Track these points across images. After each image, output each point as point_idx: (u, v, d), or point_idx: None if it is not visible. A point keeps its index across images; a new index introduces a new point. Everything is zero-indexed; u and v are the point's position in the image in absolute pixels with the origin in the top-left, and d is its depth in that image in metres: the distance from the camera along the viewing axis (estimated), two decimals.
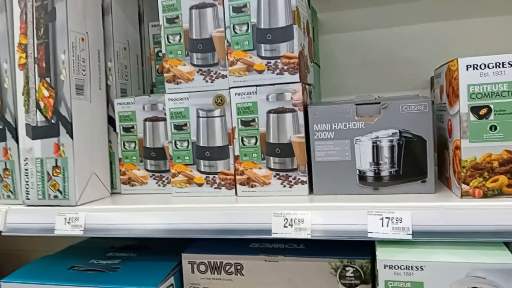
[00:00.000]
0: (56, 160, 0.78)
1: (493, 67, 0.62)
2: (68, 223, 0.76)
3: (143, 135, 0.84)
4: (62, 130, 0.78)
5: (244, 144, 0.75)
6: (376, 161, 0.71)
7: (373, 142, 0.71)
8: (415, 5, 1.03)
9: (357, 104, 0.71)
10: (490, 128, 0.63)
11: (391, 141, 0.70)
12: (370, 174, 0.71)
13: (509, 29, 0.98)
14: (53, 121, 0.78)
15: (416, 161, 0.69)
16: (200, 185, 0.78)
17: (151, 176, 0.85)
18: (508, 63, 0.62)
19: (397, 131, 0.70)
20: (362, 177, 0.72)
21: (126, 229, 0.75)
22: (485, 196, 0.64)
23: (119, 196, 0.86)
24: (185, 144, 0.78)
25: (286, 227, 0.66)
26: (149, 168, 0.85)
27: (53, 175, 0.79)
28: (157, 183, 0.84)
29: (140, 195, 0.85)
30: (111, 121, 0.87)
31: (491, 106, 0.62)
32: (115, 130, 0.87)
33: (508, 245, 0.62)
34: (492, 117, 0.62)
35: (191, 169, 0.78)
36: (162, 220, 0.73)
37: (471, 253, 0.60)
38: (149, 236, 0.73)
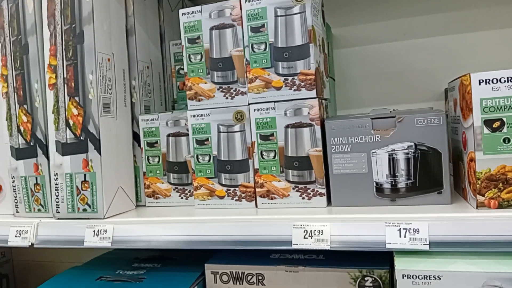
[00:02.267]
0: (85, 175, 0.83)
1: (505, 81, 0.64)
2: (97, 235, 0.80)
3: (166, 150, 0.88)
4: (90, 146, 0.82)
5: (263, 158, 0.78)
6: (393, 173, 0.73)
7: (389, 155, 0.73)
8: (428, 18, 1.05)
9: (373, 118, 0.74)
10: (504, 141, 0.64)
11: (407, 153, 0.72)
12: (387, 186, 0.73)
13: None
14: (81, 138, 0.83)
15: (431, 173, 0.71)
16: (221, 197, 0.81)
17: (174, 189, 0.88)
18: None
19: (413, 144, 0.72)
20: (379, 189, 0.74)
21: (151, 241, 0.78)
22: (500, 206, 0.65)
23: (143, 209, 0.89)
24: (207, 158, 0.82)
25: (306, 238, 0.68)
26: (172, 182, 0.88)
27: (82, 189, 0.83)
28: (180, 195, 0.88)
29: (164, 207, 0.88)
30: (135, 137, 0.91)
31: (504, 119, 0.64)
32: (139, 145, 0.91)
33: None
34: (505, 129, 0.64)
35: (213, 182, 0.82)
36: (185, 231, 0.76)
37: (488, 263, 0.61)
38: (173, 247, 0.76)
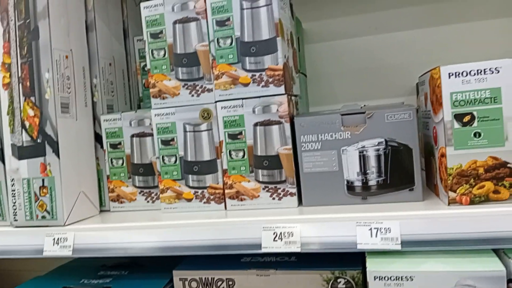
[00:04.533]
0: (43, 180, 0.78)
1: (474, 74, 0.63)
2: (57, 243, 0.76)
3: (130, 151, 0.84)
4: (48, 149, 0.77)
5: (232, 158, 0.75)
6: (363, 170, 0.71)
7: (359, 152, 0.71)
8: (400, 11, 1.03)
9: (342, 115, 0.71)
10: (474, 135, 0.63)
11: (377, 150, 0.70)
12: (358, 184, 0.71)
13: (493, 33, 0.99)
14: (39, 140, 0.78)
15: (403, 170, 0.70)
16: (189, 200, 0.78)
17: (139, 193, 0.84)
18: (489, 70, 0.62)
19: (383, 140, 0.70)
20: (350, 187, 0.72)
21: (115, 248, 0.74)
22: (472, 203, 0.64)
23: (108, 214, 0.85)
24: (173, 159, 0.78)
25: (276, 241, 0.66)
26: (137, 185, 0.84)
27: (40, 195, 0.78)
28: (146, 199, 0.84)
29: (129, 212, 0.84)
30: (98, 138, 0.87)
31: (474, 113, 0.63)
32: (102, 147, 0.86)
33: (496, 252, 0.62)
34: (475, 124, 0.63)
35: (180, 184, 0.78)
36: (151, 238, 0.73)
37: (461, 262, 0.60)
38: (138, 255, 0.73)
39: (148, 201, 0.84)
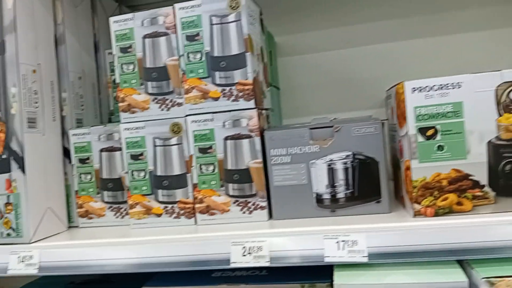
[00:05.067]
0: (8, 196, 0.76)
1: (437, 89, 0.64)
2: (22, 261, 0.73)
3: (99, 166, 0.83)
4: (13, 165, 0.76)
5: (202, 172, 0.75)
6: (332, 183, 0.72)
7: (328, 165, 0.72)
8: (371, 25, 1.06)
9: (311, 128, 0.72)
10: (438, 148, 0.65)
11: (345, 163, 0.71)
12: (326, 196, 0.72)
13: (462, 47, 1.02)
14: (4, 156, 0.76)
15: (370, 182, 0.71)
16: (158, 215, 0.77)
17: (108, 208, 0.83)
18: (451, 85, 0.64)
19: (351, 153, 0.71)
20: (319, 200, 0.72)
21: (82, 266, 0.72)
22: (436, 214, 0.65)
23: (76, 230, 0.83)
24: (142, 174, 0.77)
25: (245, 255, 0.65)
26: (106, 200, 0.83)
27: (5, 212, 0.76)
28: (115, 215, 0.83)
29: (98, 228, 0.83)
30: (66, 153, 0.85)
31: (438, 127, 0.64)
32: (70, 162, 0.85)
33: (461, 263, 0.63)
34: (439, 137, 0.65)
35: (149, 199, 0.77)
36: (120, 254, 0.71)
37: (425, 273, 0.60)
38: (107, 272, 0.71)
39: (117, 217, 0.83)
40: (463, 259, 0.63)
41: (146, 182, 0.77)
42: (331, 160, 0.72)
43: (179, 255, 0.69)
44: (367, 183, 0.71)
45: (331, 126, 0.72)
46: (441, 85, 0.64)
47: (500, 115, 0.63)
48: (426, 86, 0.65)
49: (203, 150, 0.75)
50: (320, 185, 0.72)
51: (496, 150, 0.63)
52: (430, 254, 0.61)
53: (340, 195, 0.72)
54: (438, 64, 1.02)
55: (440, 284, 0.58)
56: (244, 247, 0.66)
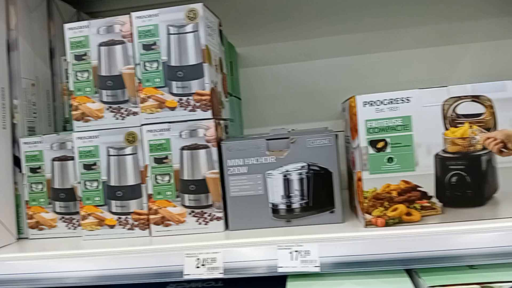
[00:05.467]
0: None
1: (387, 103, 0.67)
2: None
3: (51, 176, 0.80)
4: None
5: (157, 182, 0.74)
6: (287, 194, 0.72)
7: (283, 176, 0.72)
8: (329, 40, 1.08)
9: (267, 139, 0.73)
10: (388, 160, 0.67)
11: (300, 174, 0.72)
12: (282, 207, 0.73)
13: (415, 61, 1.06)
14: None
15: (324, 193, 0.72)
16: (112, 226, 0.75)
17: (60, 219, 0.80)
18: (401, 99, 0.66)
19: (306, 164, 0.72)
20: (275, 210, 0.73)
21: (31, 279, 0.70)
22: (387, 224, 0.67)
23: (26, 242, 0.80)
24: (95, 184, 0.75)
25: (199, 267, 0.65)
26: (58, 211, 0.80)
27: None
28: (67, 226, 0.80)
29: (49, 239, 0.80)
30: (17, 162, 0.82)
31: (388, 139, 0.67)
32: (21, 171, 0.82)
33: (409, 272, 0.65)
34: (388, 149, 0.67)
35: (102, 210, 0.75)
36: (71, 267, 0.69)
37: (375, 282, 0.62)
38: (57, 285, 0.69)
39: (69, 228, 0.80)
40: (412, 268, 0.64)
41: (99, 192, 0.75)
42: (287, 171, 0.72)
43: (132, 267, 0.68)
44: (321, 194, 0.72)
45: (287, 138, 0.73)
46: (391, 99, 0.67)
47: (447, 129, 0.66)
48: (377, 100, 0.67)
49: (159, 160, 0.74)
50: (276, 195, 0.73)
51: (443, 163, 0.66)
52: (379, 264, 0.63)
53: (296, 205, 0.73)
54: (392, 78, 1.06)
55: None
56: (198, 259, 0.65)
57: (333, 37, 1.08)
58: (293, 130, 0.85)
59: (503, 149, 0.65)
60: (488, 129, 0.65)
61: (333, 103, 1.07)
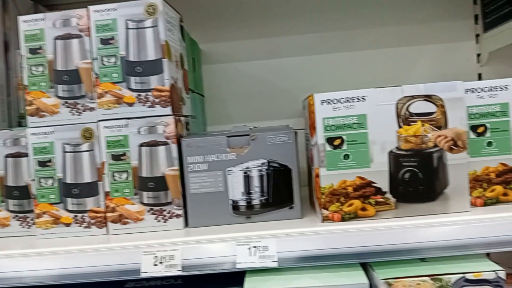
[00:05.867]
0: None
1: (344, 101, 0.68)
2: None
3: (4, 173, 0.77)
4: None
5: (115, 180, 0.73)
6: (248, 190, 0.73)
7: (244, 173, 0.73)
8: (291, 39, 1.10)
9: (228, 136, 0.73)
10: (344, 157, 0.68)
11: (260, 170, 0.73)
12: (242, 203, 0.73)
13: (375, 61, 1.09)
14: None
15: (283, 189, 0.73)
16: (67, 225, 0.73)
17: (14, 217, 0.78)
18: (357, 98, 0.68)
19: (266, 161, 0.73)
20: (235, 207, 0.73)
21: None
22: (343, 219, 0.69)
23: None
24: (50, 181, 0.73)
25: (156, 265, 0.64)
26: (11, 209, 0.77)
27: None
28: (21, 224, 0.77)
29: (2, 238, 0.77)
30: None
31: (344, 137, 0.68)
32: None
33: (364, 266, 0.67)
34: (345, 147, 0.68)
35: (58, 208, 0.73)
36: (25, 266, 0.67)
37: (331, 276, 0.63)
38: (10, 285, 0.67)
39: (23, 227, 0.77)
40: (366, 261, 0.66)
41: (55, 190, 0.73)
42: (247, 168, 0.73)
43: (89, 266, 0.66)
44: (281, 190, 0.73)
45: (248, 135, 0.73)
46: (347, 98, 0.68)
47: (400, 127, 0.68)
48: (334, 99, 0.68)
49: (116, 157, 0.73)
50: (236, 192, 0.73)
51: (396, 160, 0.68)
52: (335, 258, 0.64)
53: (255, 202, 0.73)
54: (353, 77, 1.08)
55: (343, 286, 0.61)
56: (155, 256, 0.65)
57: (297, 36, 1.10)
58: (255, 127, 0.85)
59: (453, 147, 0.68)
60: (439, 128, 0.68)
61: (295, 101, 1.08)
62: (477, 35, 1.08)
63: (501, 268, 0.63)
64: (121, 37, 0.73)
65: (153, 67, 0.73)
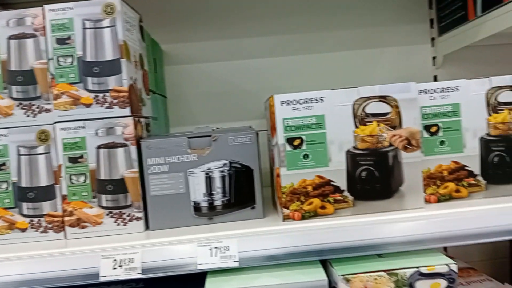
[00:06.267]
0: None
1: (303, 102, 0.69)
2: None
3: None
4: None
5: (72, 183, 0.71)
6: (209, 191, 0.73)
7: (205, 174, 0.73)
8: (254, 41, 1.10)
9: (189, 137, 0.73)
10: (304, 157, 0.69)
11: (222, 171, 0.73)
12: (204, 205, 0.73)
13: (337, 63, 1.11)
14: None
15: (245, 189, 0.73)
16: (23, 230, 0.71)
17: None
18: (315, 99, 0.70)
19: (227, 162, 0.73)
20: (197, 208, 0.73)
21: None
22: (303, 218, 0.70)
23: None
24: (4, 185, 0.71)
25: (115, 268, 0.63)
26: None
27: None
28: None
29: None
30: None
31: (303, 137, 0.69)
32: None
33: (324, 263, 0.68)
34: (304, 147, 0.69)
35: (12, 213, 0.71)
36: None
37: (291, 274, 0.64)
38: None
39: None
40: (326, 258, 0.68)
41: (9, 194, 0.71)
42: (208, 169, 0.73)
43: (46, 271, 0.64)
44: (243, 190, 0.73)
45: (209, 136, 0.73)
46: (306, 99, 0.69)
47: (357, 127, 0.70)
48: (293, 100, 0.69)
49: (74, 160, 0.71)
50: (198, 193, 0.73)
51: (353, 159, 0.70)
52: (296, 256, 0.65)
53: (217, 202, 0.73)
54: (315, 79, 1.10)
55: (302, 284, 0.62)
56: (115, 260, 0.64)
57: (260, 37, 1.11)
58: (217, 128, 0.85)
59: (407, 146, 0.71)
60: (394, 127, 0.70)
61: (259, 103, 1.09)
62: (433, 39, 1.12)
63: (453, 262, 0.65)
64: (78, 37, 0.71)
65: (111, 68, 0.72)
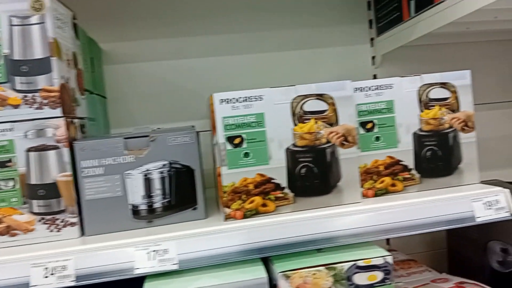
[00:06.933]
0: None
1: (242, 101, 0.69)
2: None
3: None
4: None
5: (0, 188, 0.67)
6: (148, 193, 0.71)
7: (144, 175, 0.71)
8: (199, 39, 1.09)
9: (125, 138, 0.71)
10: (244, 155, 0.69)
11: (162, 172, 0.71)
12: (143, 207, 0.71)
13: (281, 63, 1.12)
14: None
15: (186, 190, 0.72)
16: None
17: None
18: (254, 97, 0.70)
19: (167, 162, 0.71)
20: (135, 211, 0.71)
21: None
22: (245, 216, 0.70)
23: None
24: None
25: (47, 277, 0.60)
26: None
27: None
28: None
29: None
30: None
31: (244, 135, 0.69)
32: None
33: (265, 260, 0.69)
34: (245, 145, 0.69)
35: None
36: None
37: (231, 273, 0.64)
38: None
39: None
40: (267, 256, 0.68)
41: None
42: (147, 170, 0.71)
43: None
44: (184, 191, 0.72)
45: (147, 136, 0.71)
46: (245, 97, 0.69)
47: (295, 125, 0.71)
48: (233, 98, 0.69)
49: (1, 164, 0.67)
50: (136, 196, 0.71)
51: (293, 156, 0.71)
52: (237, 255, 0.65)
53: (157, 204, 0.71)
54: (258, 78, 1.11)
55: (242, 283, 0.62)
56: (46, 268, 0.61)
57: (202, 37, 1.09)
58: (158, 128, 0.83)
59: (344, 142, 0.73)
60: (331, 124, 0.72)
61: (202, 102, 1.08)
62: (372, 39, 1.16)
63: (388, 254, 0.68)
64: (4, 34, 0.67)
65: (41, 66, 0.68)
